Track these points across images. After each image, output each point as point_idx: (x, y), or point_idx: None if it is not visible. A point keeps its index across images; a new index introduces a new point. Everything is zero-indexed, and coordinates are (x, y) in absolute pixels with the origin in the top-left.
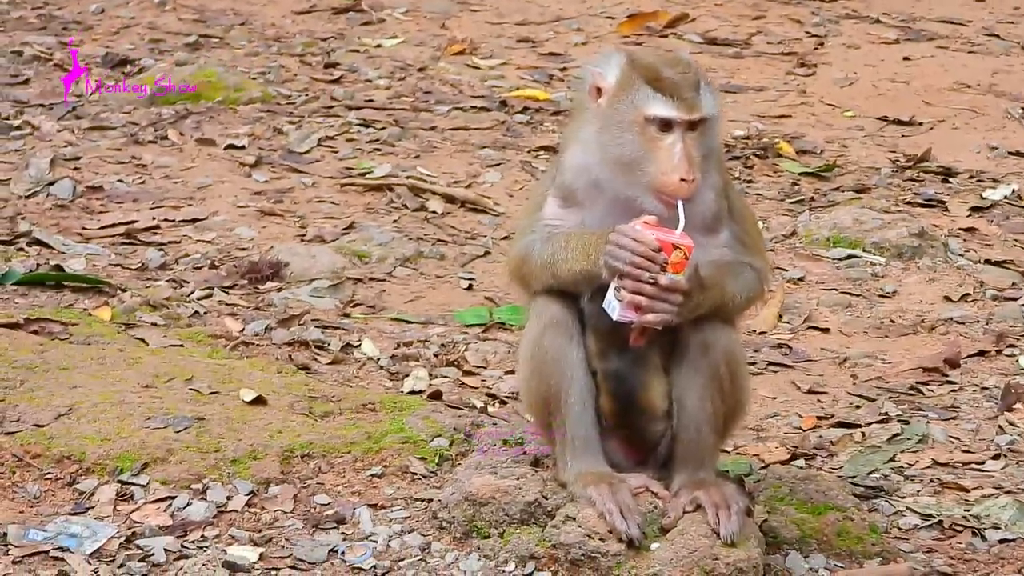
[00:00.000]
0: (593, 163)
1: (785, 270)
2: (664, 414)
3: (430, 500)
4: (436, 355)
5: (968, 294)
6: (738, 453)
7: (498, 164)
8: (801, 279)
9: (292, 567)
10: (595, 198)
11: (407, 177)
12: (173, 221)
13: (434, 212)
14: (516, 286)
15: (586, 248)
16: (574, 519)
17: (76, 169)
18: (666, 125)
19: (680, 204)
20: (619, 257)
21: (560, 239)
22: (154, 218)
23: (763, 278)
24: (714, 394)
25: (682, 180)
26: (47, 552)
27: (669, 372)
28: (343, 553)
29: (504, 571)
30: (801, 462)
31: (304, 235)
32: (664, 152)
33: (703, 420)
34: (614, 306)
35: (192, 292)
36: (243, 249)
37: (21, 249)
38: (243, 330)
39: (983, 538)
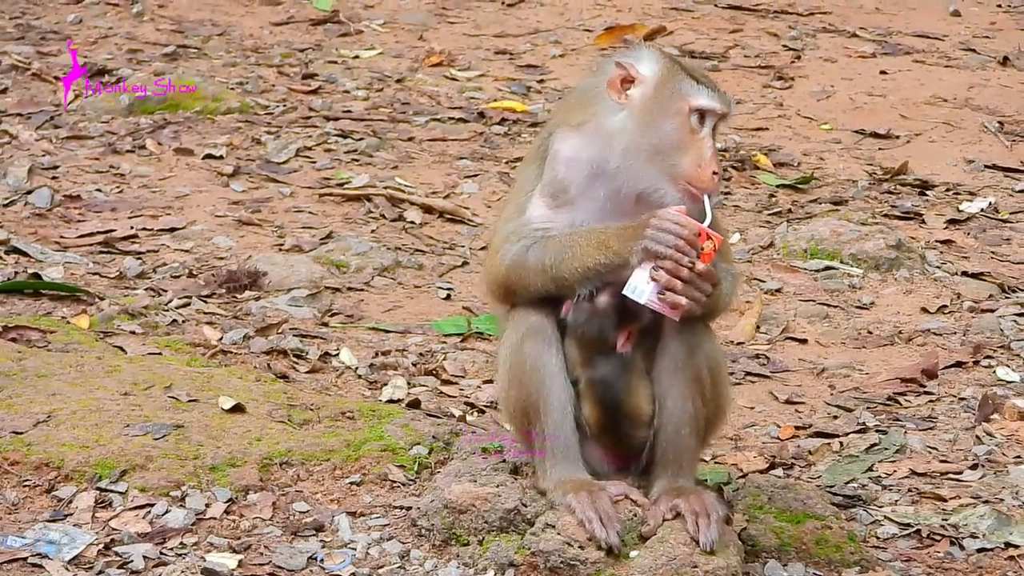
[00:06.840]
0: (604, 154)
1: (763, 281)
2: (649, 419)
3: (409, 508)
4: (414, 364)
5: (945, 306)
6: (716, 462)
7: (476, 175)
8: (779, 290)
9: (271, 574)
10: (591, 194)
11: (385, 187)
12: (151, 230)
13: (412, 222)
14: (498, 296)
15: (603, 241)
16: (553, 527)
17: (54, 178)
18: (702, 118)
19: (707, 198)
20: (662, 240)
21: (562, 239)
22: (132, 227)
23: (738, 285)
24: (696, 396)
25: (714, 174)
26: (25, 559)
27: (652, 376)
28: (322, 560)
29: None
30: (779, 471)
31: (282, 245)
32: (698, 145)
33: (684, 421)
34: (643, 290)
35: (170, 301)
36: (221, 258)
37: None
38: (221, 339)
39: (961, 547)
